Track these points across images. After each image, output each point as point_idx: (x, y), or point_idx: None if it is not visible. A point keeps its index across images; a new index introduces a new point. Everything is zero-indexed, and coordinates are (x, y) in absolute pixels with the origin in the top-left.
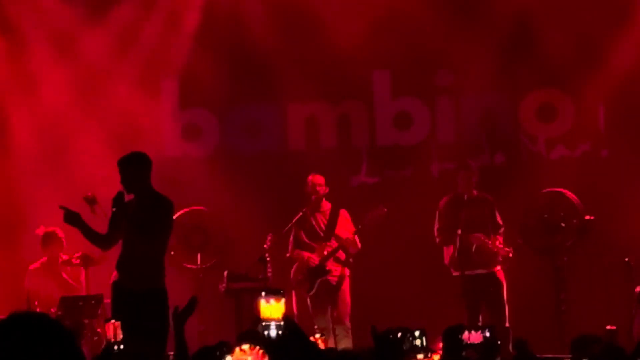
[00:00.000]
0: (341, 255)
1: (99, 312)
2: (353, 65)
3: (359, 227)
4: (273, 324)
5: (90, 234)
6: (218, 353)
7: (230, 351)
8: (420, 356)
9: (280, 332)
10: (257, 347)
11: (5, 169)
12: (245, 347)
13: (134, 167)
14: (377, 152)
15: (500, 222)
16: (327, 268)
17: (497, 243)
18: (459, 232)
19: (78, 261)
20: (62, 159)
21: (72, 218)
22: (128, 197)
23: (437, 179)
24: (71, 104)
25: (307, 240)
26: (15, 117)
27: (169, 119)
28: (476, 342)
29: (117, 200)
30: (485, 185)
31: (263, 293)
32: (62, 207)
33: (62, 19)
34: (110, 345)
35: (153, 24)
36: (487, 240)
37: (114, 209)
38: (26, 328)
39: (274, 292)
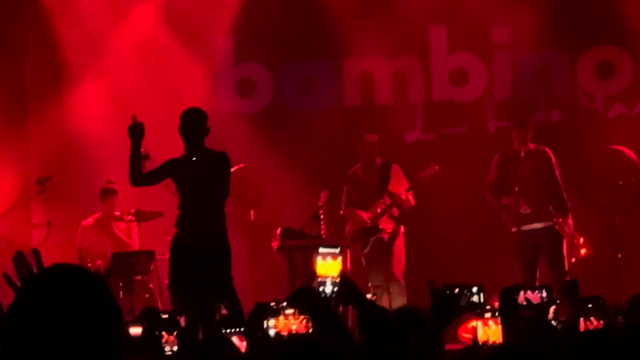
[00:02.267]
0: (395, 211)
1: (152, 268)
2: (409, 21)
3: (415, 181)
4: (329, 281)
5: (134, 159)
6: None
7: (276, 315)
8: (487, 315)
9: (336, 289)
10: (302, 316)
11: (73, 119)
12: (290, 311)
13: (197, 121)
14: (433, 109)
15: (559, 175)
16: (380, 226)
17: (566, 229)
18: (516, 189)
19: (131, 217)
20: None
21: (135, 131)
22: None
23: (493, 136)
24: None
25: (359, 198)
26: (83, 72)
27: (223, 74)
28: (535, 301)
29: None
30: (541, 143)
31: (320, 249)
32: (133, 117)
33: None
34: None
35: None
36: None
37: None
38: (59, 280)
39: (331, 248)
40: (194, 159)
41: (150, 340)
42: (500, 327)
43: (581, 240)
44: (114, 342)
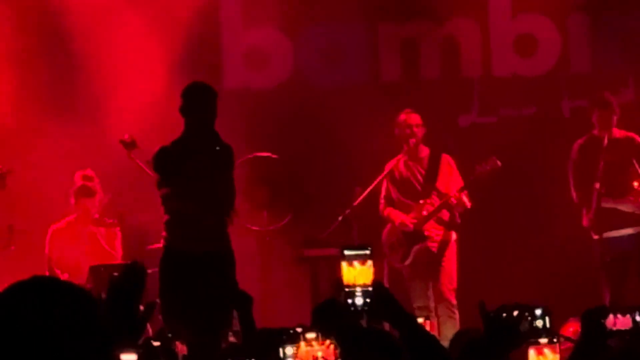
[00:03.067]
0: (444, 215)
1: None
2: None
3: (470, 180)
4: (359, 290)
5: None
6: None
7: (295, 341)
8: (543, 340)
9: (368, 301)
10: (327, 340)
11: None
12: (311, 336)
13: (209, 97)
14: (493, 85)
15: None
16: (426, 232)
17: None
18: (597, 185)
19: (114, 222)
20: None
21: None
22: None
23: (569, 119)
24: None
25: (401, 197)
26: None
27: (229, 41)
28: (624, 328)
29: None
30: (628, 128)
31: (345, 251)
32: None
33: None
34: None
35: None
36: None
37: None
38: (41, 294)
39: (360, 250)
40: (208, 163)
41: None
42: (558, 355)
43: None
44: None
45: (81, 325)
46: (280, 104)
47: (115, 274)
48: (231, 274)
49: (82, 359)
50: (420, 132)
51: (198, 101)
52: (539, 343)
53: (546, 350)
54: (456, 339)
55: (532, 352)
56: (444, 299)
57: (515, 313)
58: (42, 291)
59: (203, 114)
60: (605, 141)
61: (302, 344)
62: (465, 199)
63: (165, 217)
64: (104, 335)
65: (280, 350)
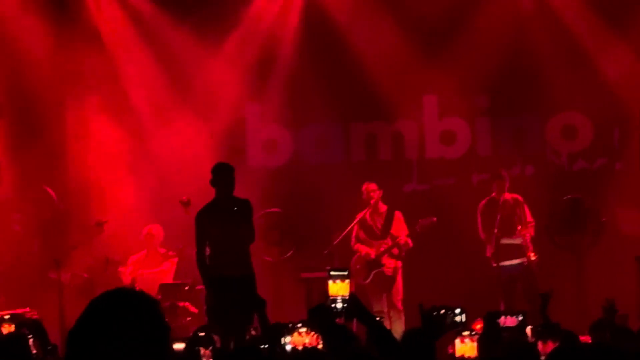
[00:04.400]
0: (395, 250)
1: (191, 294)
2: (406, 91)
3: (415, 229)
4: (339, 299)
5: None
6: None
7: (291, 332)
8: (465, 333)
9: (345, 304)
10: (313, 332)
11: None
12: (303, 330)
13: (231, 174)
14: (426, 164)
15: (531, 218)
16: (382, 262)
17: (528, 238)
18: (495, 230)
19: (173, 253)
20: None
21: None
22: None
23: (476, 187)
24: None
25: (366, 238)
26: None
27: (251, 133)
28: (511, 325)
29: None
30: (516, 193)
31: (331, 272)
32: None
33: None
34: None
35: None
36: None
37: None
38: (124, 298)
39: (341, 271)
40: (232, 214)
41: (191, 355)
42: (475, 344)
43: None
44: (164, 354)
45: (150, 321)
46: (284, 176)
47: (176, 289)
48: (253, 289)
49: (151, 343)
50: (376, 195)
51: (221, 176)
52: (462, 335)
53: (467, 340)
54: (404, 333)
55: (457, 342)
56: (394, 305)
57: (442, 312)
58: (125, 297)
59: (224, 186)
60: (501, 201)
61: (296, 334)
62: (409, 241)
63: (208, 251)
64: (165, 329)
65: (282, 338)
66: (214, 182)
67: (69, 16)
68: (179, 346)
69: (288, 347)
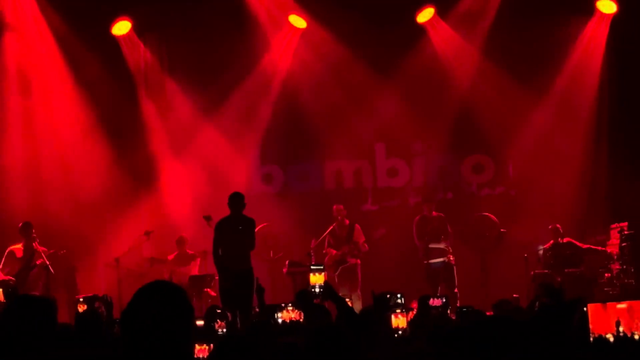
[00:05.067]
0: (355, 252)
1: (212, 284)
2: (362, 139)
3: (374, 238)
4: (317, 285)
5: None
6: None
7: (281, 310)
8: (398, 310)
9: (321, 289)
10: (297, 310)
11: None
12: (290, 308)
13: (241, 200)
14: (377, 191)
15: (450, 230)
16: (347, 260)
17: (448, 243)
18: (426, 238)
19: (197, 253)
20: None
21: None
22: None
23: (413, 207)
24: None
25: (335, 243)
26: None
27: (250, 170)
28: (437, 304)
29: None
30: (440, 211)
31: (312, 267)
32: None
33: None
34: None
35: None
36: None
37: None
38: (162, 288)
39: (318, 266)
40: (240, 227)
41: (208, 329)
42: (405, 318)
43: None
44: (190, 327)
45: (180, 304)
46: (277, 201)
47: (202, 279)
48: (251, 279)
49: (180, 319)
50: (342, 213)
51: (234, 201)
52: (395, 311)
53: (399, 315)
54: (362, 310)
55: (392, 317)
56: (355, 292)
57: (388, 296)
58: (162, 287)
59: (235, 207)
60: (429, 217)
61: (285, 311)
62: (366, 245)
63: (221, 252)
64: (190, 309)
65: (275, 314)
66: (229, 205)
67: None
68: (200, 322)
69: (279, 321)
